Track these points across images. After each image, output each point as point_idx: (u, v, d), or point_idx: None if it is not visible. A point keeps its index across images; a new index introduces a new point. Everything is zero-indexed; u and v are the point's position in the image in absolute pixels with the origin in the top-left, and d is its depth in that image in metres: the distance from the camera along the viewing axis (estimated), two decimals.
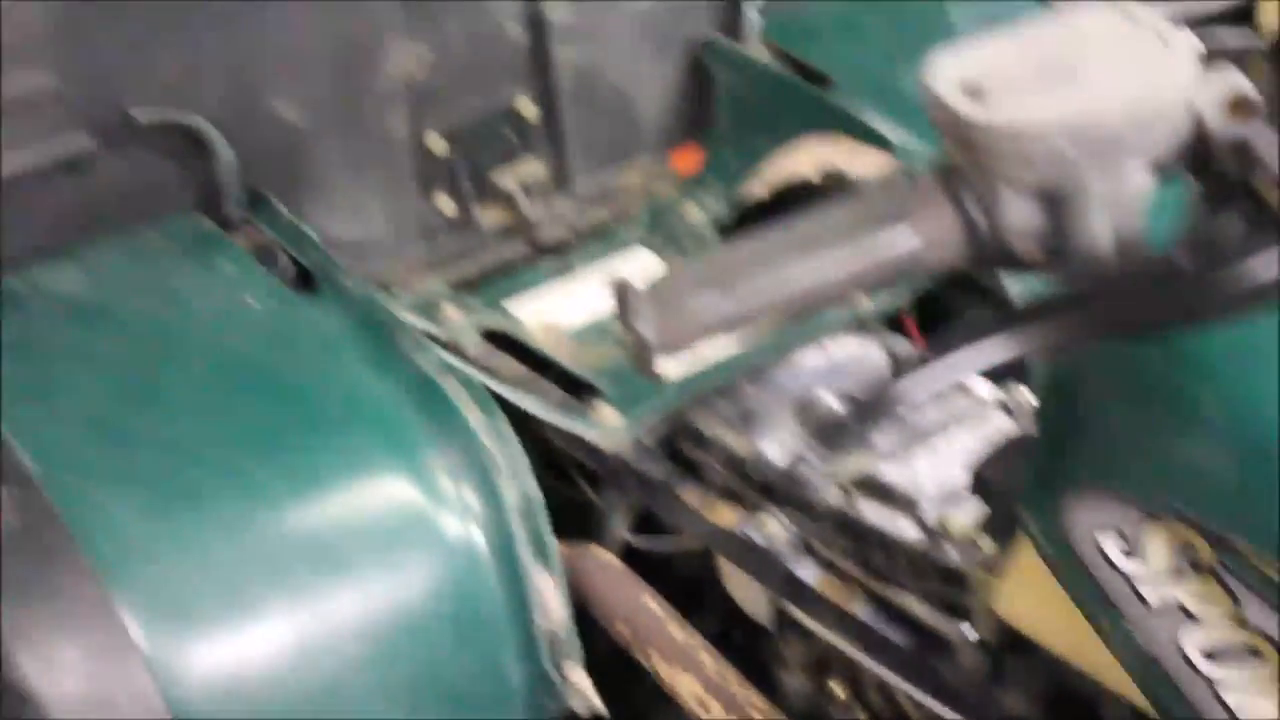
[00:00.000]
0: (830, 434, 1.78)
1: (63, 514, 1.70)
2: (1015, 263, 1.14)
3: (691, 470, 1.93)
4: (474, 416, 1.84)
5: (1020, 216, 1.11)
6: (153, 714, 1.66)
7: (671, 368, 2.06)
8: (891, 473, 1.77)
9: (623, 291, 1.08)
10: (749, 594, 1.94)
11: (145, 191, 2.04)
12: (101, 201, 2.02)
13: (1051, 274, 1.16)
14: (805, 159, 2.38)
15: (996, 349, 1.18)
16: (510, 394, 1.96)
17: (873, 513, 1.75)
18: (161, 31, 2.00)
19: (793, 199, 2.42)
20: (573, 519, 1.99)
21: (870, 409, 1.28)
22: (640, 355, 1.08)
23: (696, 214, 2.35)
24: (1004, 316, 1.19)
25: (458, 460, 1.82)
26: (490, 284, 2.26)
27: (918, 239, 1.12)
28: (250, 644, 1.72)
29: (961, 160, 1.12)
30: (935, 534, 1.68)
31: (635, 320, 1.07)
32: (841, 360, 1.99)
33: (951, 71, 1.13)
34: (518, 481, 1.83)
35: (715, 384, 1.99)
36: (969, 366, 1.19)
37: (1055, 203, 1.11)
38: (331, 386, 1.86)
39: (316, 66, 2.12)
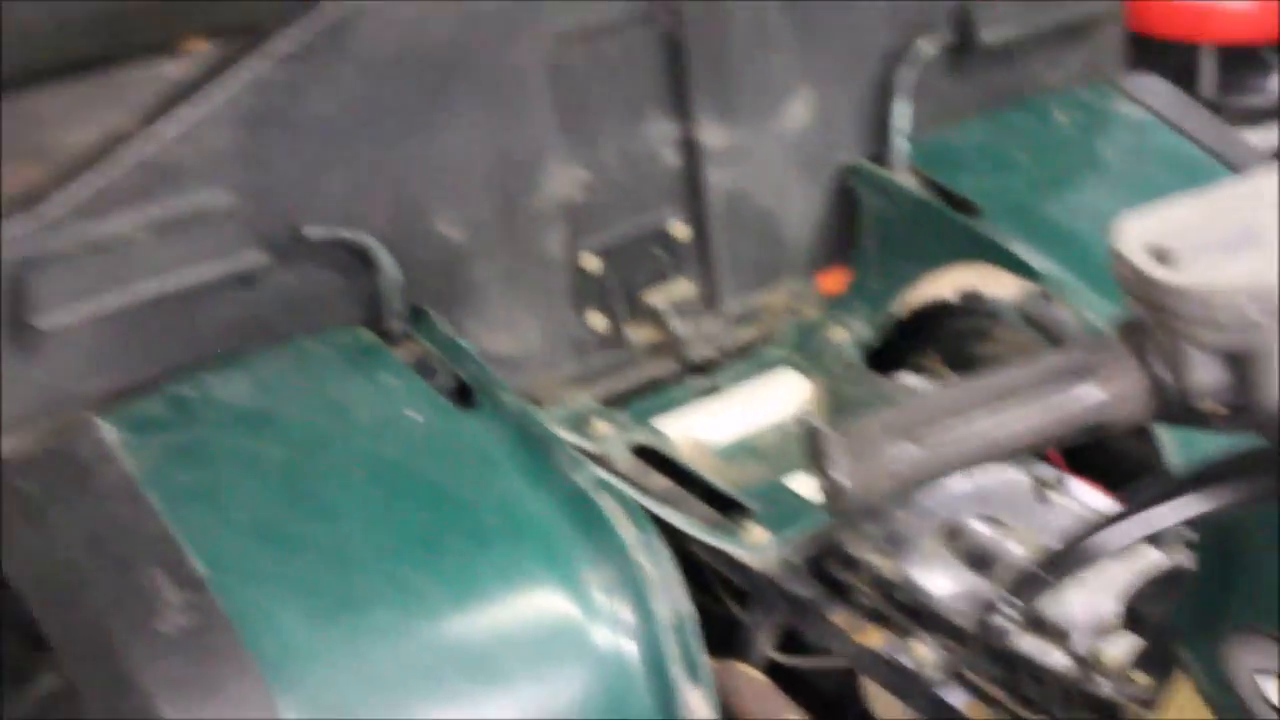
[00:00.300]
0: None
1: (230, 614, 1.76)
2: (1199, 420, 1.17)
3: (839, 591, 1.96)
4: (628, 532, 1.88)
5: (1206, 375, 1.14)
6: None
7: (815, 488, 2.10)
8: (1043, 602, 1.78)
9: (817, 437, 1.11)
10: (893, 716, 1.95)
11: (312, 304, 2.11)
12: (270, 313, 2.09)
13: (1234, 431, 1.19)
14: (945, 282, 2.42)
15: (1189, 505, 1.21)
16: (660, 509, 1.99)
17: (1024, 641, 1.76)
18: (333, 152, 2.07)
19: (931, 321, 2.47)
20: (718, 635, 2.01)
21: (1066, 561, 1.30)
22: (835, 500, 1.11)
23: (841, 335, 2.38)
24: (1197, 473, 1.21)
25: (612, 575, 1.86)
26: (639, 400, 2.30)
27: (1104, 395, 1.15)
28: None
29: (1147, 319, 1.16)
30: (1088, 665, 1.69)
31: (830, 467, 1.10)
32: (988, 485, 2.01)
33: (1138, 234, 1.16)
34: (670, 597, 1.86)
35: None
36: (1163, 521, 1.22)
37: (1240, 362, 1.14)
38: (489, 499, 1.91)
39: (479, 187, 2.19)
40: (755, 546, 1.99)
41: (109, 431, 1.96)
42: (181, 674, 1.73)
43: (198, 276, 2.01)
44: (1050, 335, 2.38)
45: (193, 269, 2.00)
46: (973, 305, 2.51)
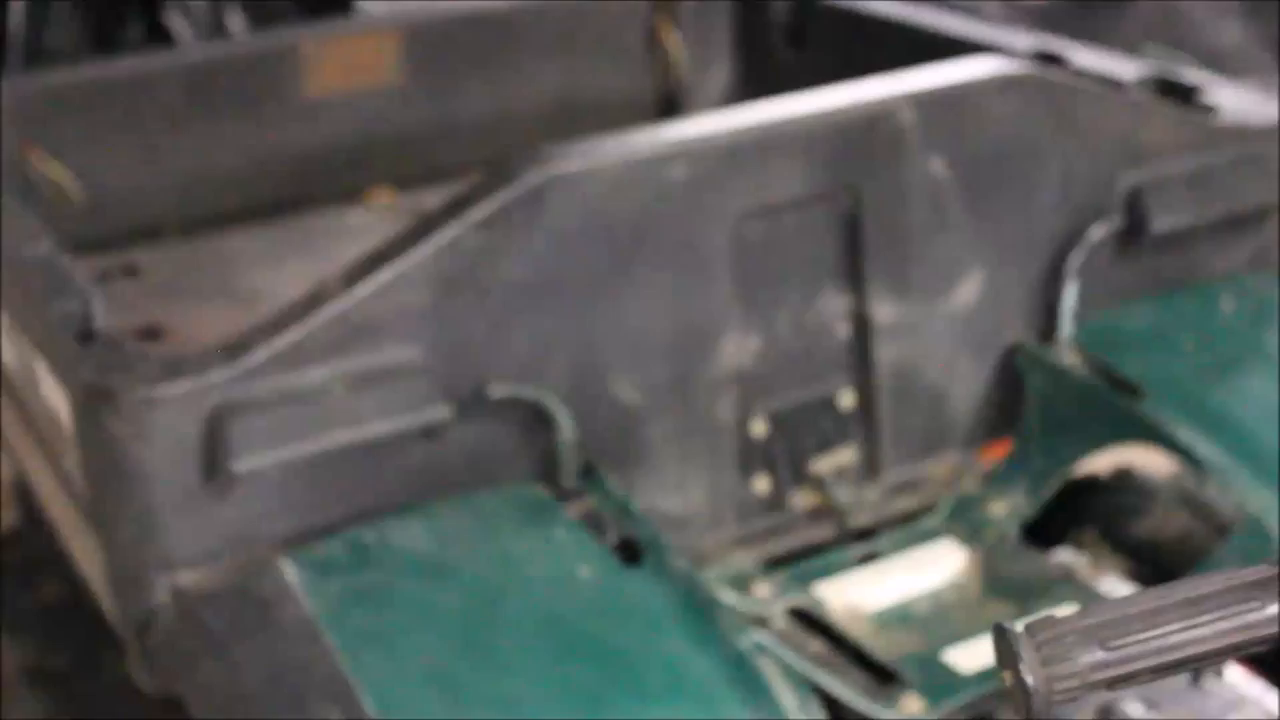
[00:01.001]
0: None
1: None
2: None
3: None
4: (787, 699, 1.93)
5: None
6: None
7: (970, 657, 2.13)
8: None
9: (1006, 637, 1.15)
10: None
11: (490, 459, 2.20)
12: (451, 465, 2.18)
13: None
14: (1102, 459, 2.46)
15: None
16: (815, 675, 2.04)
17: None
18: (520, 314, 2.16)
19: (1086, 497, 2.51)
20: None
21: None
22: (1020, 700, 1.15)
23: (1000, 509, 2.42)
24: None
25: None
26: (798, 564, 2.35)
27: None
28: None
29: None
30: None
31: (1019, 666, 1.14)
32: None
33: None
34: None
35: None
36: None
37: None
38: (653, 658, 1.97)
39: (657, 352, 2.27)
40: (909, 716, 2.02)
41: (292, 571, 2.05)
42: None
43: (385, 428, 2.10)
44: (1204, 516, 2.41)
45: (381, 421, 2.09)
46: (1126, 483, 2.55)
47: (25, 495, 3.52)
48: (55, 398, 2.20)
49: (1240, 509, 2.22)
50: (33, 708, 2.96)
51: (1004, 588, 2.29)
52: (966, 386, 2.50)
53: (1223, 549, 2.19)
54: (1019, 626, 1.14)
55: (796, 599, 2.26)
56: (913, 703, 2.04)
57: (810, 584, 2.31)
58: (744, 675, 1.95)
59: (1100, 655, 1.13)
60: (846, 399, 2.43)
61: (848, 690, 2.05)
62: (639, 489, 2.28)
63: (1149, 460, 2.54)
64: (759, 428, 2.38)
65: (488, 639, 1.99)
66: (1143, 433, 2.35)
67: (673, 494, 2.33)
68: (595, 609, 2.04)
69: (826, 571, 2.34)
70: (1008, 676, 1.14)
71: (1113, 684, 1.14)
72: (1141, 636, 1.15)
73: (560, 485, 2.22)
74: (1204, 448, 2.30)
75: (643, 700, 1.93)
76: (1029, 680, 1.12)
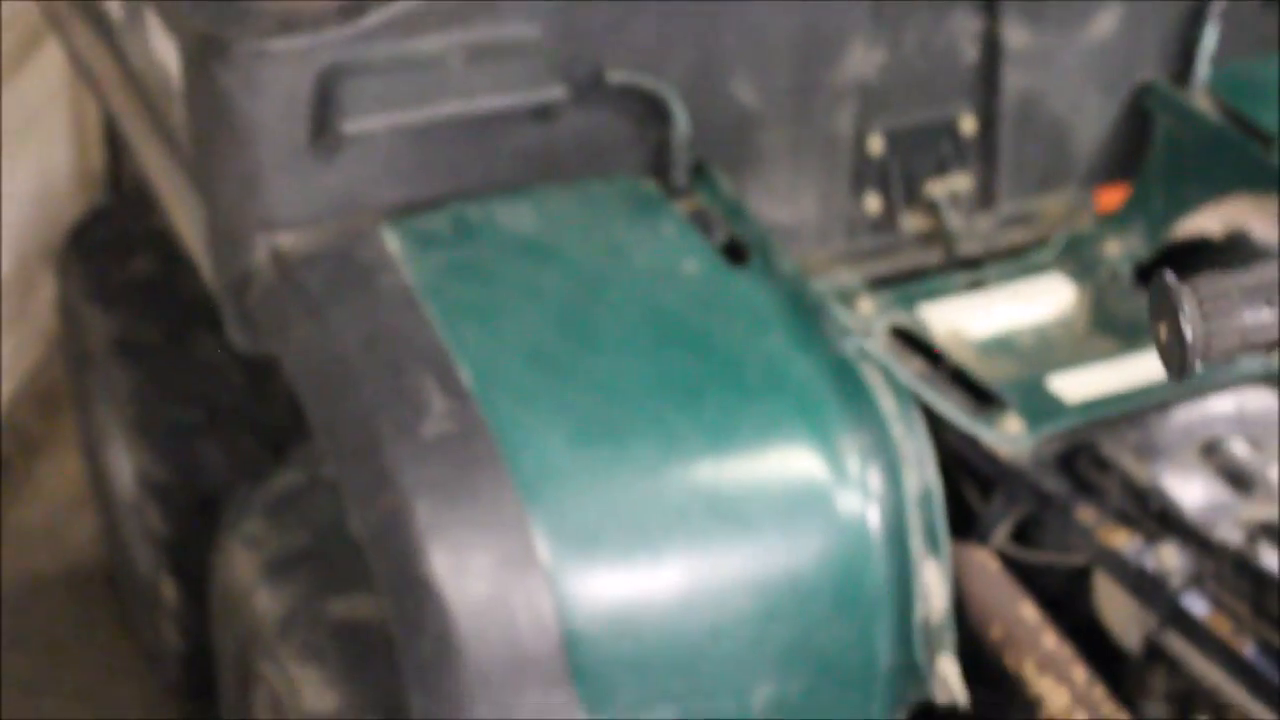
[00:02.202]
0: (1242, 480, 1.79)
1: (492, 428, 1.82)
2: None
3: (1086, 490, 1.96)
4: (887, 404, 1.90)
5: None
6: (546, 630, 1.76)
7: (1074, 388, 2.10)
8: None
9: (1165, 288, 1.10)
10: (1121, 620, 1.96)
11: (602, 147, 2.15)
12: (562, 150, 2.14)
13: None
14: (1217, 217, 2.39)
15: None
16: (917, 388, 2.00)
17: (1275, 560, 1.76)
18: (645, 1, 2.10)
19: (1197, 254, 2.45)
20: (954, 522, 2.02)
21: None
22: (1173, 356, 1.10)
23: (1115, 249, 2.37)
24: None
25: (866, 443, 1.89)
26: (903, 287, 2.31)
27: None
28: (645, 579, 1.82)
29: None
30: None
31: (1179, 318, 1.09)
32: (1253, 411, 2.00)
33: None
34: (921, 472, 1.89)
35: (1122, 410, 2.02)
36: None
37: None
38: (755, 355, 1.94)
39: (779, 55, 2.20)
40: (1009, 437, 2.00)
41: (394, 240, 2.03)
42: (440, 477, 1.80)
43: (498, 103, 2.06)
44: None
45: (495, 95, 2.05)
46: (1238, 244, 2.48)
47: (116, 173, 3.52)
48: (165, 50, 2.16)
49: None
50: (123, 377, 2.97)
51: (1112, 325, 2.24)
52: (1092, 122, 2.42)
53: None
54: (1176, 279, 1.10)
55: (900, 318, 2.22)
56: (1013, 424, 2.01)
57: (914, 306, 2.27)
58: (845, 378, 1.93)
59: (1266, 314, 1.08)
60: (968, 124, 2.36)
61: (948, 405, 2.02)
62: (749, 195, 2.24)
63: (1267, 225, 2.47)
64: (876, 144, 2.32)
65: (588, 322, 1.96)
66: (1270, 183, 2.28)
67: (782, 204, 2.29)
68: (699, 303, 2.01)
69: (931, 295, 2.30)
70: (1162, 331, 1.09)
71: (1271, 347, 1.10)
72: None
73: (670, 182, 2.17)
74: None
75: (742, 395, 1.90)
76: (1187, 333, 1.08)
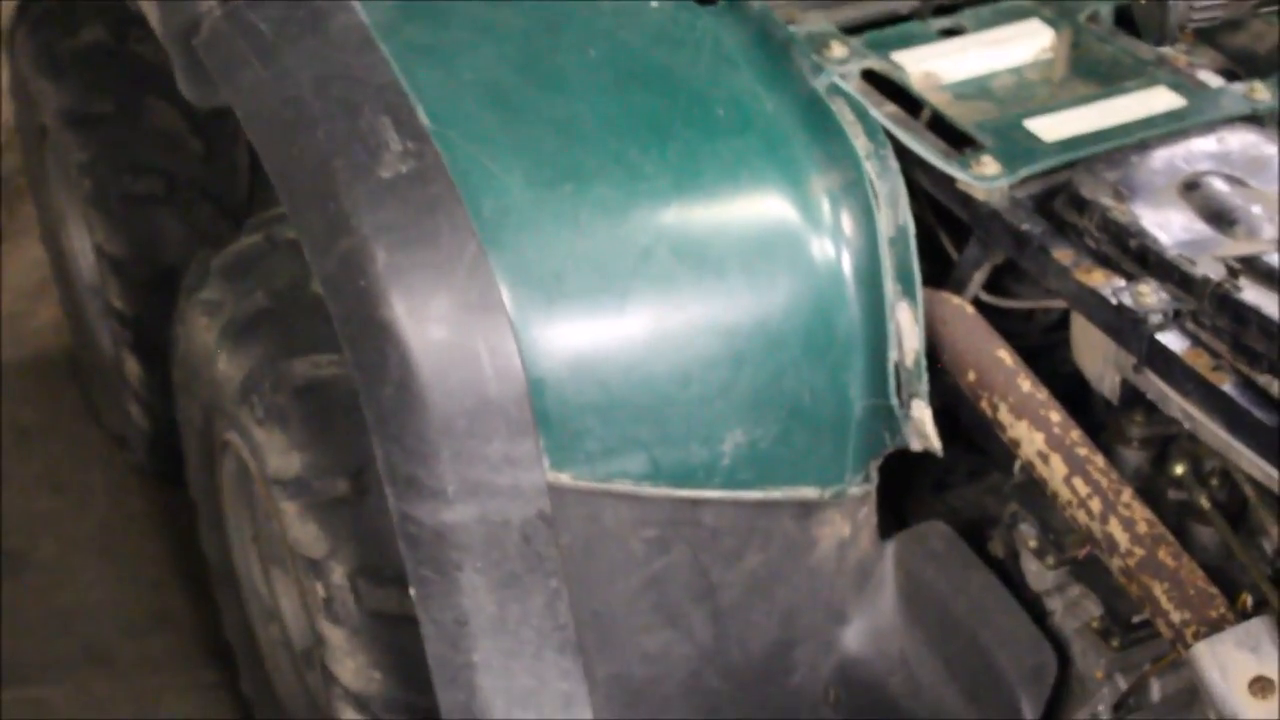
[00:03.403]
0: (1223, 218, 1.74)
1: (451, 170, 1.75)
2: None
3: (1064, 231, 1.90)
4: (860, 143, 1.84)
5: None
6: (510, 372, 1.72)
7: (1052, 128, 2.03)
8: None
9: None
10: (1098, 364, 1.91)
11: None
12: None
13: None
14: None
15: None
16: (890, 128, 1.94)
17: (1255, 296, 1.70)
18: None
19: None
20: (928, 269, 1.97)
21: None
22: (1155, 18, 1.03)
23: None
24: None
25: (838, 182, 1.83)
26: (876, 33, 2.23)
27: None
28: (610, 322, 1.77)
29: None
30: None
31: None
32: (1234, 149, 1.94)
33: None
34: (894, 212, 1.83)
35: (1099, 149, 1.95)
36: None
37: None
38: (723, 93, 1.87)
39: None
40: (985, 177, 1.93)
41: None
42: (398, 220, 1.74)
43: None
44: None
45: None
46: None
47: None
48: None
49: None
50: (76, 151, 2.89)
51: (1092, 67, 2.15)
52: None
53: None
54: None
55: (872, 62, 2.14)
56: (990, 165, 1.94)
57: (888, 51, 2.19)
58: (817, 114, 1.86)
59: None
60: None
61: (923, 146, 1.95)
62: None
63: None
64: None
65: (549, 61, 1.89)
66: None
67: None
68: (663, 41, 1.93)
69: (905, 41, 2.20)
70: None
71: (1257, 8, 1.03)
72: None
73: None
74: None
75: (709, 132, 1.84)
76: None
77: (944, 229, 2.10)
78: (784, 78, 1.89)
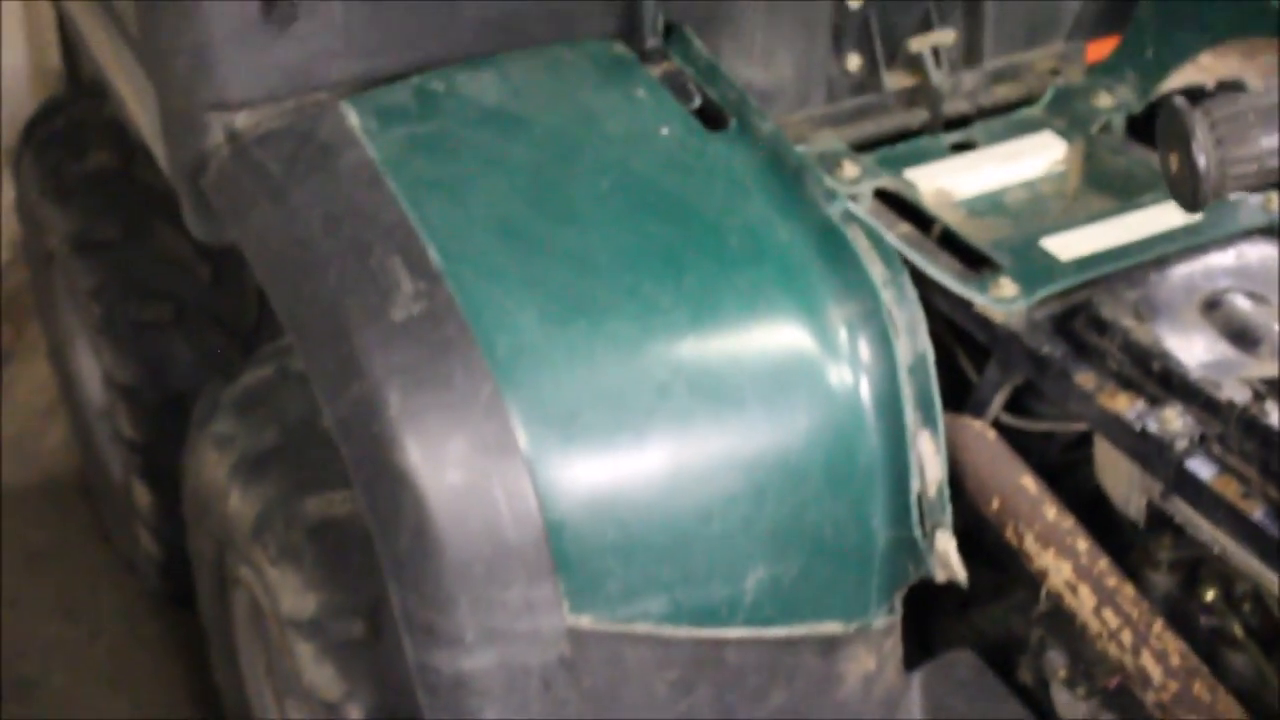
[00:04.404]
0: (1247, 337, 1.72)
1: (464, 308, 1.73)
2: None
3: (1085, 353, 1.88)
4: (876, 269, 1.82)
5: None
6: (527, 515, 1.68)
7: (1068, 246, 2.01)
8: None
9: (1175, 113, 1.01)
10: (1123, 488, 1.88)
11: (568, 12, 2.06)
12: (525, 17, 2.04)
13: None
14: (1211, 66, 2.30)
15: None
16: (906, 252, 1.92)
17: None
18: None
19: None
20: (947, 391, 1.95)
21: None
22: (1185, 186, 1.01)
23: (1106, 101, 2.27)
24: None
25: (855, 311, 1.80)
26: (888, 149, 2.22)
27: None
28: (628, 461, 1.73)
29: None
30: None
31: (1191, 145, 1.00)
32: (1254, 263, 1.92)
33: None
34: (913, 340, 1.81)
35: (1118, 267, 1.93)
36: None
37: None
38: (737, 222, 1.85)
39: None
40: (1003, 300, 1.91)
41: (354, 116, 1.93)
42: (411, 362, 1.71)
43: None
44: None
45: None
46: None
47: (72, 69, 3.40)
48: None
49: None
50: (84, 276, 2.87)
51: (1106, 180, 2.15)
52: None
53: None
54: (1188, 103, 1.00)
55: (885, 181, 2.13)
56: (1007, 286, 1.92)
57: (900, 168, 2.18)
58: (832, 244, 1.84)
59: None
60: None
61: (939, 269, 1.93)
62: (725, 57, 2.14)
63: (1263, 73, 2.38)
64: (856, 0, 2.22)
65: (561, 193, 1.87)
66: (1269, 27, 2.19)
67: (759, 65, 2.20)
68: (675, 170, 1.91)
69: (918, 157, 2.20)
70: (1173, 160, 1.00)
71: None
72: None
73: (641, 44, 2.07)
74: None
75: (724, 263, 1.82)
76: (1200, 161, 0.98)
77: (963, 350, 2.07)
78: (798, 204, 1.87)
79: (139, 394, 2.89)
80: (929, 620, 2.16)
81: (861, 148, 2.22)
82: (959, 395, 2.04)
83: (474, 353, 1.71)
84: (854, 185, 2.11)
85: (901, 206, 2.11)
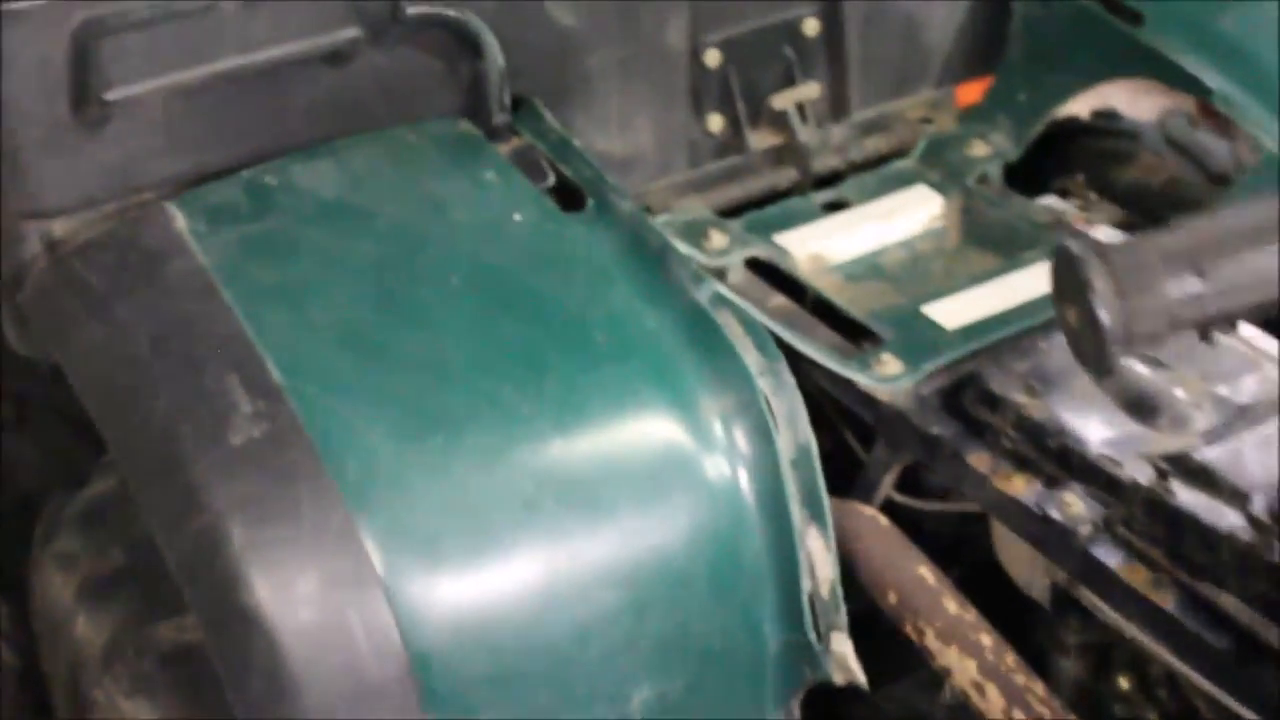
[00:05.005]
0: (1146, 408, 1.62)
1: (308, 428, 1.60)
2: None
3: (978, 431, 1.77)
4: (751, 358, 1.70)
5: None
6: (390, 649, 1.56)
7: (952, 313, 1.91)
8: (1213, 455, 1.59)
9: (1070, 262, 0.89)
10: (1025, 569, 1.78)
11: (408, 90, 1.93)
12: (362, 97, 1.91)
13: None
14: (1085, 99, 2.22)
15: None
16: (780, 331, 1.81)
17: (1190, 498, 1.58)
18: None
19: (1068, 141, 2.27)
20: (832, 473, 1.84)
21: (1246, 412, 1.07)
22: (1088, 344, 0.89)
23: (981, 150, 2.19)
24: None
25: (730, 403, 1.68)
26: (756, 212, 2.11)
27: None
28: (496, 583, 1.60)
29: None
30: (1266, 529, 1.50)
31: (1090, 299, 0.88)
32: None
33: None
34: (794, 431, 1.69)
35: (1006, 335, 1.84)
36: None
37: None
38: (599, 313, 1.73)
39: None
40: (886, 377, 1.81)
41: (181, 219, 1.80)
42: (254, 491, 1.58)
43: (283, 51, 1.82)
44: (1194, 159, 2.18)
45: (280, 43, 1.82)
46: (1109, 125, 2.30)
47: None
48: None
49: (1255, 143, 1.99)
50: None
51: (987, 235, 2.06)
52: (947, 12, 2.24)
53: (1242, 180, 1.97)
54: (1084, 248, 0.89)
55: (756, 249, 2.02)
56: (890, 363, 1.82)
57: (770, 233, 2.07)
58: (702, 331, 1.72)
59: (1195, 285, 0.87)
60: (810, 26, 2.17)
61: (815, 348, 1.82)
62: (578, 127, 2.03)
63: (1133, 101, 2.31)
64: (713, 57, 2.12)
65: (409, 292, 1.74)
66: (1143, 65, 2.11)
67: (616, 133, 2.09)
68: (532, 259, 1.79)
69: (788, 219, 2.10)
70: (1071, 314, 0.88)
71: (1206, 325, 0.89)
72: (1245, 261, 0.89)
73: (488, 121, 1.96)
74: (1212, 79, 2.05)
75: (588, 361, 1.69)
76: (1104, 318, 0.87)
77: (848, 426, 1.96)
78: (663, 290, 1.75)
79: None
80: (831, 704, 2.06)
81: (729, 212, 2.12)
82: (846, 472, 1.93)
83: (322, 477, 1.58)
84: (722, 256, 2.00)
85: (774, 275, 2.00)
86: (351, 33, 1.84)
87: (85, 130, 1.79)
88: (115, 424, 1.70)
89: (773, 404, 1.69)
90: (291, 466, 1.58)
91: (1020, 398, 1.74)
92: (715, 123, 2.15)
